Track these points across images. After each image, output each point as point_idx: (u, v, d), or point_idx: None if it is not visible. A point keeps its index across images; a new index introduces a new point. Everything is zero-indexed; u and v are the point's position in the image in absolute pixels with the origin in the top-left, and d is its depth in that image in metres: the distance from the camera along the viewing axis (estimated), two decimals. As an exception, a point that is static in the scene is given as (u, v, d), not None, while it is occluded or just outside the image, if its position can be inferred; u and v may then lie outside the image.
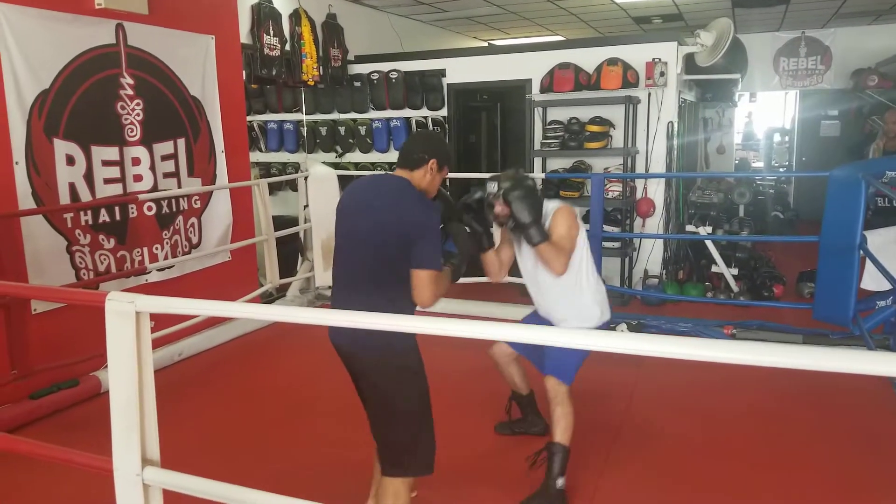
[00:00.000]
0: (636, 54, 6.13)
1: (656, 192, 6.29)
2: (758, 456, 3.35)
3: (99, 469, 1.93)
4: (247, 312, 1.84)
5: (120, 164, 4.60)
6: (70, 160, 4.28)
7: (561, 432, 2.97)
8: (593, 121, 6.14)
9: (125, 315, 1.81)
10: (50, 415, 3.93)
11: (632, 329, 5.16)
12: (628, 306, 6.07)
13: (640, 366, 4.39)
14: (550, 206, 3.06)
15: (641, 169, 6.29)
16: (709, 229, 6.33)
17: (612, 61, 6.11)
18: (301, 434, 3.68)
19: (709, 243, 6.14)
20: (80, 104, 4.30)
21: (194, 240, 5.19)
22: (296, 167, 7.20)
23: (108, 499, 1.90)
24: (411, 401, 2.36)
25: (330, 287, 5.08)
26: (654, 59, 6.04)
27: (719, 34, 6.03)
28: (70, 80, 4.25)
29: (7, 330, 3.86)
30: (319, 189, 5.92)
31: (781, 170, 10.98)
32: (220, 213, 5.35)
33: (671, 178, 6.37)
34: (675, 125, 6.28)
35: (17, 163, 3.99)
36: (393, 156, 7.03)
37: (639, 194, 6.31)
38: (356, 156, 7.18)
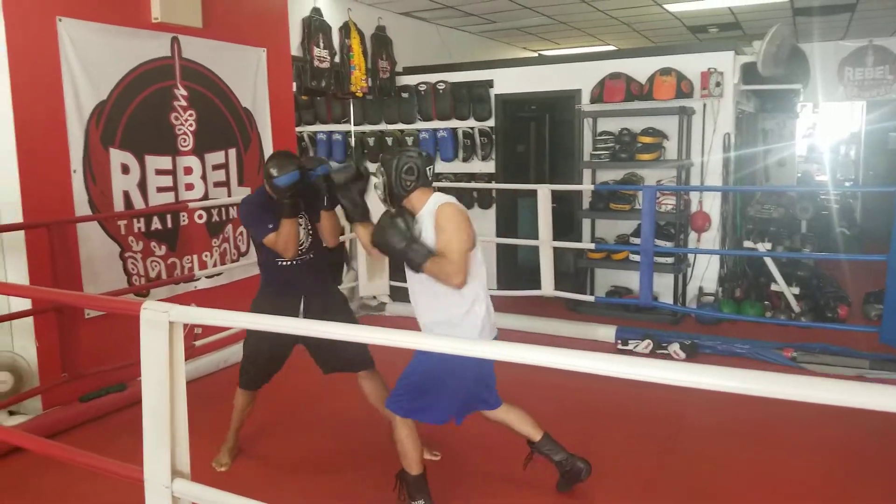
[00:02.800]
0: (691, 64, 5.97)
1: (712, 205, 6.09)
2: (818, 495, 3.15)
3: (130, 478, 1.93)
4: (277, 326, 1.82)
5: (172, 173, 4.70)
6: (125, 169, 4.39)
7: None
8: (646, 132, 6.00)
9: (159, 325, 1.81)
10: (98, 418, 4.02)
11: (685, 349, 4.99)
12: (681, 324, 5.88)
13: (691, 389, 4.22)
14: (430, 204, 2.71)
15: (696, 182, 6.11)
16: (768, 245, 6.09)
17: (666, 71, 5.97)
18: (343, 446, 3.66)
19: (768, 260, 5.89)
20: (135, 115, 4.42)
21: (242, 248, 5.26)
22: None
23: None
24: None
25: (374, 297, 5.01)
26: (709, 69, 5.87)
27: (778, 43, 5.82)
28: (126, 92, 4.37)
29: (59, 334, 3.96)
30: (372, 199, 5.93)
31: (847, 184, 10.54)
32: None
33: (728, 191, 6.16)
34: (733, 137, 6.09)
35: (74, 171, 4.11)
36: (439, 165, 7.01)
37: (693, 208, 6.12)
38: (404, 166, 7.18)
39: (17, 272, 3.93)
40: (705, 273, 6.15)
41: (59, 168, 4.05)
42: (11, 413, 3.91)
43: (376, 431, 3.62)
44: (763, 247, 6.05)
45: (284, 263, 3.16)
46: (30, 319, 3.93)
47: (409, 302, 5.57)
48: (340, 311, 3.34)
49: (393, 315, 6.13)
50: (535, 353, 1.49)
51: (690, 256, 6.18)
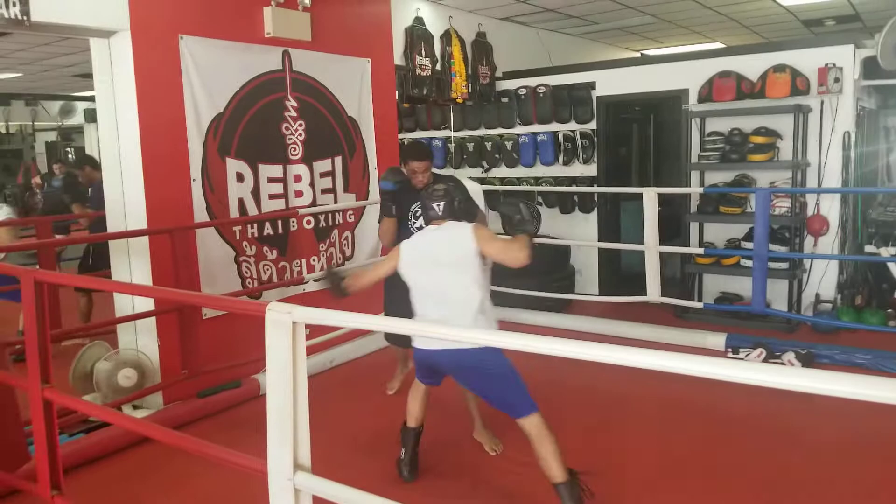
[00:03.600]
0: (806, 59, 5.66)
1: (830, 208, 5.75)
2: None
3: (253, 470, 2.01)
4: (394, 327, 1.85)
5: (283, 180, 4.89)
6: (240, 177, 4.61)
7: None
8: (758, 131, 5.74)
9: (283, 325, 1.88)
10: (214, 413, 4.21)
11: (800, 358, 4.74)
12: (796, 333, 5.58)
13: (809, 401, 3.99)
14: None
15: (813, 183, 5.78)
16: (892, 250, 5.68)
17: (779, 68, 5.69)
18: (447, 443, 3.68)
19: (892, 266, 5.52)
20: (249, 126, 4.63)
21: (348, 252, 5.41)
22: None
23: (259, 499, 1.98)
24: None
25: None
26: (827, 65, 5.55)
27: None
28: (241, 104, 4.59)
29: (180, 333, 4.20)
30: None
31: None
32: (371, 227, 5.54)
33: (848, 193, 5.80)
34: (853, 135, 5.73)
35: (194, 180, 4.35)
36: (539, 170, 6.97)
37: (810, 211, 5.79)
38: (502, 171, 7.19)
39: (142, 275, 4.19)
40: (823, 279, 5.81)
41: (180, 177, 4.30)
42: (136, 407, 4.18)
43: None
44: (886, 252, 5.65)
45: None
46: (152, 319, 4.19)
47: (510, 307, 5.71)
48: None
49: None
50: (646, 356, 1.44)
51: (807, 262, 5.86)
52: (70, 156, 12.58)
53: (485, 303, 3.00)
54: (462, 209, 3.08)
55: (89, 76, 4.38)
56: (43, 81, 9.91)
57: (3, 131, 11.57)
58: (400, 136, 6.76)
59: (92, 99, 4.57)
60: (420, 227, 3.69)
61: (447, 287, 2.92)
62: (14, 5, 3.44)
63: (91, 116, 11.29)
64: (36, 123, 11.82)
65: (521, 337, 1.63)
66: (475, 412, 3.62)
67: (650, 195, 5.26)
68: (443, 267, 2.92)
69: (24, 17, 3.50)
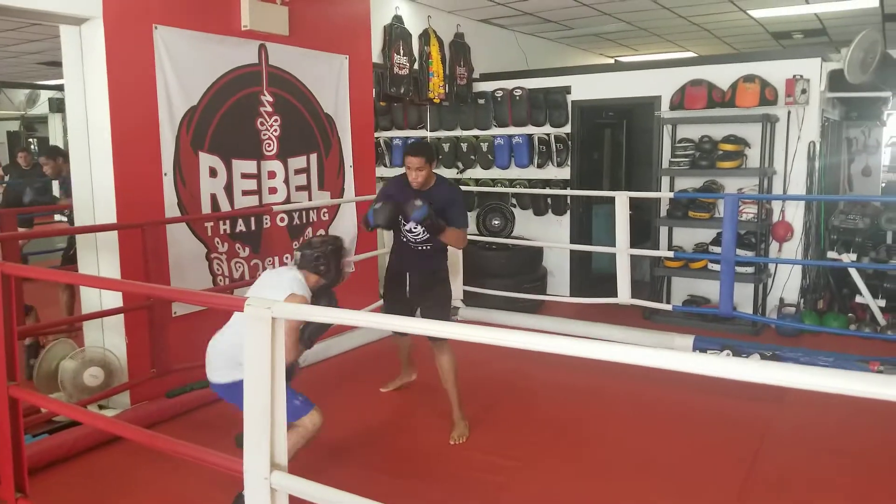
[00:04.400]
0: (775, 71, 5.79)
1: (795, 215, 5.89)
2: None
3: (229, 469, 1.99)
4: (374, 322, 1.85)
5: (257, 176, 4.84)
6: (213, 172, 4.54)
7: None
8: (727, 139, 5.85)
9: (262, 320, 1.87)
10: (183, 413, 4.14)
11: (765, 360, 4.83)
12: (761, 335, 5.70)
13: (781, 401, 4.09)
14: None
15: (778, 190, 5.92)
16: (853, 256, 5.85)
17: (749, 78, 5.81)
18: (429, 442, 3.69)
19: (853, 272, 5.68)
20: (223, 120, 4.57)
21: (321, 251, 5.37)
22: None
23: (228, 500, 1.96)
24: None
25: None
26: (795, 76, 5.68)
27: (865, 48, 5.59)
28: (216, 98, 4.52)
29: (150, 330, 4.12)
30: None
31: (936, 194, 9.99)
32: (346, 225, 5.52)
33: (812, 200, 5.94)
34: (818, 145, 5.87)
35: (165, 174, 4.27)
36: (514, 172, 7.00)
37: (775, 217, 5.93)
38: (477, 172, 7.21)
39: (111, 270, 4.09)
40: (787, 284, 5.95)
41: (152, 171, 4.21)
42: (101, 407, 4.06)
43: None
44: (848, 258, 5.82)
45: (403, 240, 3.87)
46: (120, 317, 4.08)
47: (482, 307, 5.74)
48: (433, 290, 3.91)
49: (465, 319, 6.15)
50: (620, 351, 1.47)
51: (771, 266, 5.99)
52: (33, 146, 12.29)
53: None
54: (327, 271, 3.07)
55: (57, 64, 4.29)
56: (6, 69, 9.65)
57: (-36, 120, 11.27)
58: (376, 134, 6.74)
59: (58, 88, 4.47)
60: (410, 230, 3.74)
61: None
62: (-16, -11, 3.35)
63: (56, 106, 11.03)
64: (-3, 112, 11.54)
65: (488, 331, 1.63)
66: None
67: (622, 199, 5.33)
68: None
69: (-6, 2, 3.41)
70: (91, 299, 4.20)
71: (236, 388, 2.73)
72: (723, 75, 5.97)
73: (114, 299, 4.05)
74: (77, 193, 4.23)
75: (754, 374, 1.37)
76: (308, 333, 2.98)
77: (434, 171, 3.78)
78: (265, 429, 1.89)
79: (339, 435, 3.73)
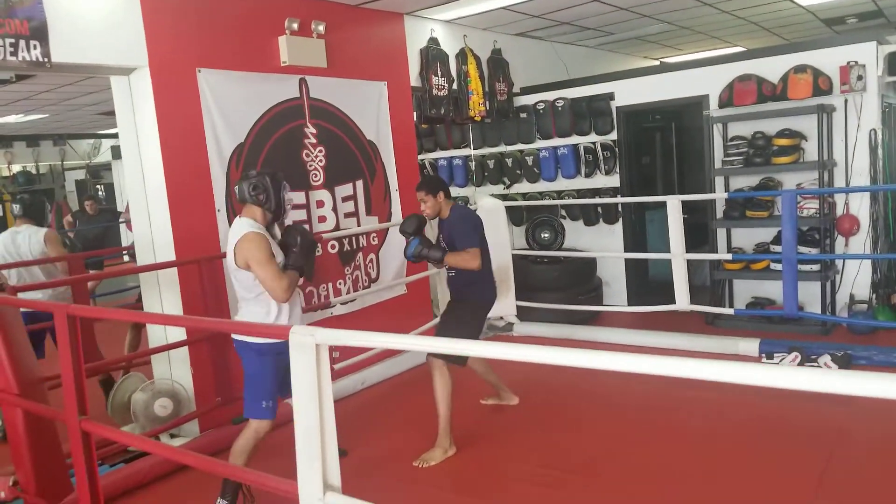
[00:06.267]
0: (828, 59, 5.59)
1: (860, 207, 5.64)
2: None
3: (284, 492, 2.02)
4: (418, 345, 1.85)
5: (306, 206, 4.94)
6: (263, 205, 4.65)
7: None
8: (781, 134, 5.67)
9: (306, 347, 1.90)
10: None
11: (836, 360, 4.63)
12: (831, 335, 5.46)
13: (850, 405, 3.90)
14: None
15: (840, 183, 5.68)
16: (927, 246, 5.57)
17: (800, 68, 5.62)
18: (480, 460, 3.65)
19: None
20: (270, 154, 4.69)
21: (373, 274, 5.43)
22: (465, 201, 7.33)
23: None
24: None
25: (501, 318, 5.35)
26: (849, 63, 5.47)
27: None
28: (262, 133, 4.65)
29: (212, 361, 4.24)
30: (487, 220, 5.96)
31: None
32: (396, 248, 5.56)
33: (877, 190, 5.69)
34: (879, 133, 5.63)
35: (218, 210, 4.41)
36: (561, 183, 6.94)
37: (839, 211, 5.69)
38: (524, 186, 7.18)
39: (173, 305, 4.25)
40: (856, 279, 5.69)
41: (205, 208, 4.36)
42: (173, 436, 4.23)
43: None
44: (922, 248, 5.54)
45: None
46: (185, 349, 4.24)
47: (537, 321, 5.69)
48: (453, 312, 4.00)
49: (521, 335, 6.09)
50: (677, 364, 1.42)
51: (839, 263, 5.74)
52: (100, 191, 12.86)
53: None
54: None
55: (113, 114, 4.48)
56: (69, 121, 10.15)
57: (34, 171, 11.87)
58: (420, 156, 6.80)
59: (117, 136, 4.68)
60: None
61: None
62: (35, 48, 3.54)
63: (118, 153, 11.55)
64: (65, 162, 12.11)
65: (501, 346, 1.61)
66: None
67: (674, 203, 5.21)
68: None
69: (46, 59, 3.59)
70: (157, 334, 4.35)
71: (242, 346, 3.09)
72: (772, 68, 5.80)
73: (178, 332, 4.20)
74: (138, 234, 4.40)
75: (817, 384, 1.30)
76: (292, 261, 3.13)
77: (448, 199, 3.91)
78: (317, 451, 1.92)
79: (387, 453, 3.73)
